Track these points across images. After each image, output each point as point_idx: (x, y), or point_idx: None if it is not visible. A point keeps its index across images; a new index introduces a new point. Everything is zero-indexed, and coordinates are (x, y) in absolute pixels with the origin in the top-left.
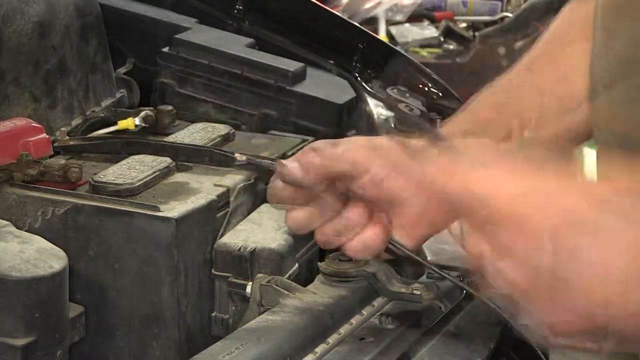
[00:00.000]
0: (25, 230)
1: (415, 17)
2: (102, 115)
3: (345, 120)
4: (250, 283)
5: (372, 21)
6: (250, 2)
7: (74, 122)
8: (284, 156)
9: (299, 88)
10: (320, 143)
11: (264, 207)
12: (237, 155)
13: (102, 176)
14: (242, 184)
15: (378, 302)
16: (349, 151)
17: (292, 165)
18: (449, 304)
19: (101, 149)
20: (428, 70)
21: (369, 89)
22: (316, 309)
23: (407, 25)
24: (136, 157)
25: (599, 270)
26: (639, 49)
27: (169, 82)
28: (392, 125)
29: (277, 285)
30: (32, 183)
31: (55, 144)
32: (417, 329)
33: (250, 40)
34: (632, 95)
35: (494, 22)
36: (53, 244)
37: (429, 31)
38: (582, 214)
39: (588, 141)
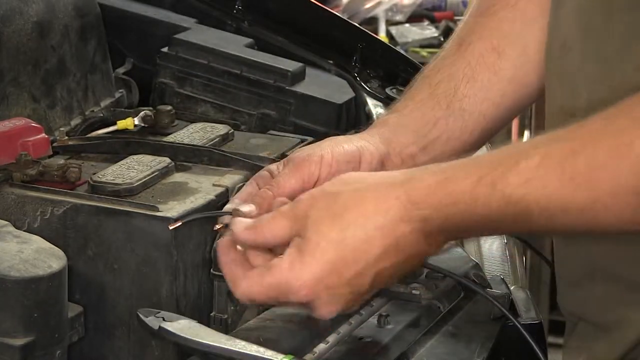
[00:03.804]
0: (24, 230)
1: (415, 17)
2: (101, 115)
3: (344, 120)
4: None
5: (372, 21)
6: (249, 2)
7: (73, 122)
8: (283, 156)
9: (298, 88)
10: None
11: None
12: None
13: (101, 176)
14: (240, 184)
15: (377, 302)
16: (268, 229)
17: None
18: (448, 303)
19: (100, 149)
20: None
21: (368, 89)
22: None
23: (407, 25)
24: (135, 157)
25: None
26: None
27: (168, 82)
28: None
29: None
30: (31, 183)
31: (54, 144)
32: (416, 329)
33: (249, 40)
34: (587, 58)
35: None
36: (52, 243)
37: (429, 31)
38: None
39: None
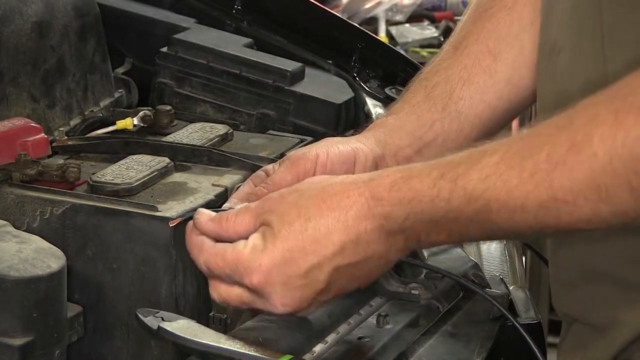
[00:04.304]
0: (24, 230)
1: (415, 17)
2: (101, 115)
3: (343, 120)
4: None
5: (372, 21)
6: (248, 2)
7: (73, 122)
8: (282, 156)
9: (297, 88)
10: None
11: None
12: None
13: (100, 176)
14: (240, 184)
15: (376, 301)
16: (232, 224)
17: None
18: (447, 303)
19: (99, 149)
20: None
21: (367, 88)
22: None
23: (407, 25)
24: (134, 157)
25: None
26: (578, 15)
27: (168, 82)
28: None
29: None
30: (31, 183)
31: (54, 144)
32: (415, 329)
33: (248, 40)
34: (576, 60)
35: None
36: (51, 243)
37: (429, 31)
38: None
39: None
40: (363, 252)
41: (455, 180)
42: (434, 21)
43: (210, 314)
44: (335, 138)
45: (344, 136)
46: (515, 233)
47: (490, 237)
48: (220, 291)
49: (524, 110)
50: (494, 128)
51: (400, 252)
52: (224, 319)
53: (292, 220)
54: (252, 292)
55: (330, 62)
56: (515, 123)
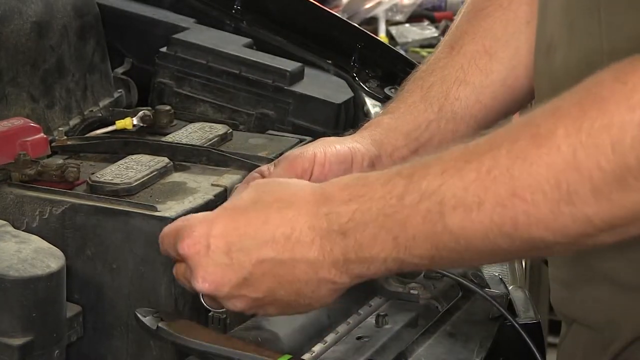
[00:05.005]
0: (23, 230)
1: (415, 17)
2: (100, 115)
3: (342, 120)
4: None
5: (372, 21)
6: (248, 2)
7: (72, 122)
8: (281, 155)
9: (297, 88)
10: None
11: None
12: None
13: (99, 176)
14: (239, 184)
15: (375, 301)
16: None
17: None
18: (446, 303)
19: (99, 149)
20: None
21: (366, 88)
22: None
23: (407, 25)
24: (134, 156)
25: None
26: (570, 15)
27: (167, 81)
28: None
29: None
30: (30, 183)
31: (53, 144)
32: (414, 329)
33: (248, 40)
34: (571, 58)
35: None
36: (50, 243)
37: (429, 31)
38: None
39: None
40: (291, 250)
41: (411, 176)
42: (434, 21)
43: (210, 314)
44: (331, 138)
45: (341, 136)
46: (467, 245)
47: (437, 256)
48: (174, 268)
49: (519, 110)
50: (490, 127)
51: (334, 267)
52: (223, 318)
53: (241, 203)
54: (187, 265)
55: (330, 62)
56: (516, 117)
